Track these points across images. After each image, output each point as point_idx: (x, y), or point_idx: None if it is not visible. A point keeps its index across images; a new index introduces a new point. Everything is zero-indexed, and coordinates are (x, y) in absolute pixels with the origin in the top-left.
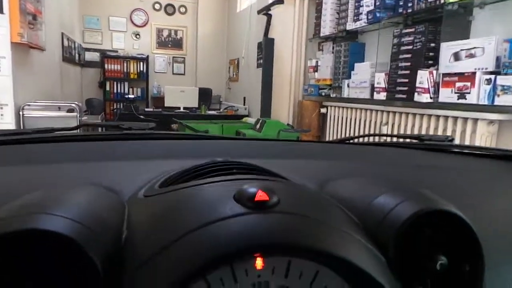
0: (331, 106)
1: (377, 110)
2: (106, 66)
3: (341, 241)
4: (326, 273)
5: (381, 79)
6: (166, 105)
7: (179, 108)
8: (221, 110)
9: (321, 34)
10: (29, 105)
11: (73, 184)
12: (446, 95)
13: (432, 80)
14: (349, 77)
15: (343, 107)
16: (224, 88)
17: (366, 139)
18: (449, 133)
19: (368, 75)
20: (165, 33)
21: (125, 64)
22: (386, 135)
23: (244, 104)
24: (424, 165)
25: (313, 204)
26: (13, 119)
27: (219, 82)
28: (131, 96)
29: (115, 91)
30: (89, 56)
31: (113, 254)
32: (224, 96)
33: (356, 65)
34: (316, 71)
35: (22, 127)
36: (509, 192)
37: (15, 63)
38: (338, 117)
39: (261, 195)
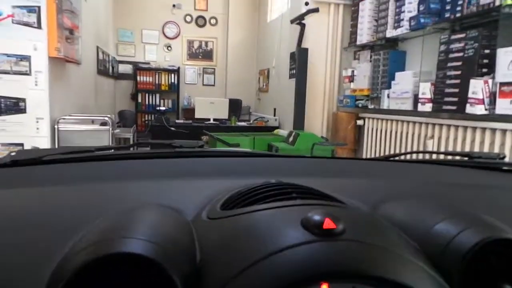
0: (368, 118)
1: (421, 123)
2: (138, 78)
3: (406, 268)
4: None
5: (426, 89)
6: (196, 116)
7: (209, 119)
8: (251, 121)
9: (358, 42)
10: (64, 118)
11: (137, 202)
12: (504, 106)
13: (487, 90)
14: (388, 87)
15: (382, 119)
16: (254, 99)
17: (412, 156)
18: (507, 148)
19: (410, 85)
20: (196, 45)
21: (156, 76)
22: (433, 152)
23: (274, 115)
24: (476, 185)
25: (375, 231)
26: (48, 133)
27: (248, 93)
28: (162, 108)
29: (146, 102)
30: (122, 68)
31: (190, 275)
32: (254, 107)
33: (397, 74)
34: (352, 81)
35: (57, 141)
36: None
37: (51, 77)
38: (377, 129)
39: (329, 223)
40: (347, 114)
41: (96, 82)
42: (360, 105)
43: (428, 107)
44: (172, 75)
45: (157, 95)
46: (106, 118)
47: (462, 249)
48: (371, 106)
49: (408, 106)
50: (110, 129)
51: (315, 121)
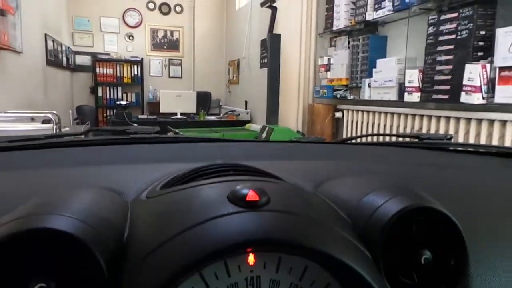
0: (347, 110)
1: (407, 114)
2: (97, 70)
3: (328, 238)
4: (315, 269)
5: (414, 77)
6: (161, 111)
7: (175, 114)
8: (221, 115)
9: (334, 28)
10: None
11: (78, 187)
12: (504, 94)
13: (485, 76)
14: (369, 75)
15: (362, 111)
16: (224, 92)
17: (369, 139)
18: (508, 140)
19: (394, 73)
20: (160, 34)
21: (118, 68)
22: (385, 135)
23: (246, 108)
24: (422, 163)
25: (302, 203)
26: None
27: (218, 85)
28: (123, 102)
29: (107, 96)
30: (80, 59)
31: (116, 251)
32: (224, 100)
33: (379, 61)
34: (329, 70)
35: None
36: (506, 188)
37: None
38: (357, 122)
39: (252, 195)
40: (324, 106)
41: (46, 74)
42: (338, 95)
43: (415, 97)
44: (135, 66)
45: (119, 88)
46: (50, 115)
47: (384, 218)
48: (350, 97)
49: (393, 96)
50: (55, 127)
51: (289, 114)
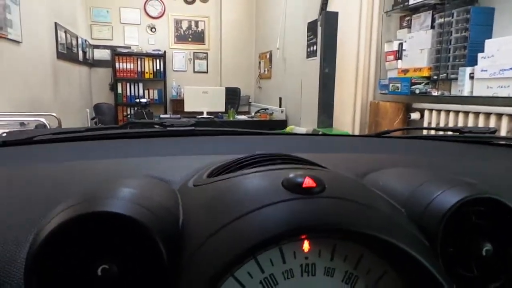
0: (430, 110)
1: None
2: (117, 65)
3: (385, 224)
4: (370, 257)
5: None
6: (186, 109)
7: (202, 113)
8: (252, 114)
9: (411, 2)
10: None
11: (125, 176)
12: None
13: None
14: (470, 63)
15: (457, 111)
16: (253, 88)
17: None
18: None
19: None
20: (185, 25)
21: (139, 63)
22: (424, 128)
23: (280, 106)
24: (465, 157)
25: (356, 190)
26: None
27: (247, 80)
28: (143, 100)
29: (128, 94)
30: (98, 54)
31: (174, 237)
32: (254, 97)
33: (490, 42)
34: (399, 58)
35: None
36: None
37: None
38: (446, 125)
39: (308, 182)
40: (393, 105)
41: (56, 69)
42: (417, 91)
43: None
44: (158, 61)
45: (140, 85)
46: (43, 120)
47: (443, 208)
48: (436, 93)
49: None
50: None
51: (343, 114)
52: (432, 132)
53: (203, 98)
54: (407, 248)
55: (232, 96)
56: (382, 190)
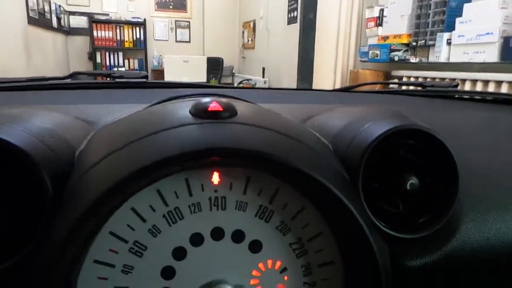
0: (409, 77)
1: None
2: (95, 33)
3: (301, 154)
4: (287, 191)
5: None
6: (166, 79)
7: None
8: (235, 84)
9: None
10: None
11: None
12: None
13: None
14: (448, 28)
15: (434, 78)
16: (237, 58)
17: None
18: None
19: (497, 22)
20: None
21: (118, 31)
22: (389, 83)
23: (263, 77)
24: (426, 109)
25: (276, 122)
26: None
27: (231, 50)
28: (122, 69)
29: (107, 63)
30: (75, 21)
31: (64, 167)
32: (238, 67)
33: (469, 6)
34: (380, 24)
35: None
36: (504, 134)
37: None
38: None
39: (215, 106)
40: (372, 73)
41: (28, 36)
42: (396, 58)
43: None
44: (137, 29)
45: (120, 54)
46: None
47: (366, 141)
48: (414, 60)
49: (491, 56)
50: None
51: (323, 82)
52: (396, 87)
53: (183, 67)
54: (323, 180)
55: (215, 66)
56: (315, 129)
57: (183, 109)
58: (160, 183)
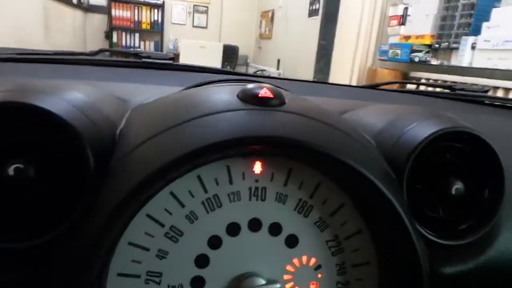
0: (427, 80)
1: None
2: (113, 12)
3: (350, 148)
4: (328, 186)
5: None
6: (181, 63)
7: None
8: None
9: None
10: None
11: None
12: None
13: None
14: (475, 32)
15: (454, 83)
16: (253, 47)
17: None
18: None
19: None
20: None
21: (136, 11)
22: (415, 83)
23: (277, 69)
24: (454, 113)
25: (323, 113)
26: None
27: (247, 39)
28: (138, 49)
29: (123, 43)
30: None
31: (106, 144)
32: (253, 57)
33: (497, 11)
34: (403, 23)
35: None
36: None
37: None
38: None
39: (265, 93)
40: (391, 72)
41: (48, 11)
42: (416, 59)
43: None
44: (156, 11)
45: (137, 35)
46: None
47: (413, 141)
48: (435, 62)
49: None
50: None
51: (340, 78)
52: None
53: (199, 53)
54: (371, 176)
55: (231, 54)
56: (356, 124)
57: (229, 94)
58: (201, 169)
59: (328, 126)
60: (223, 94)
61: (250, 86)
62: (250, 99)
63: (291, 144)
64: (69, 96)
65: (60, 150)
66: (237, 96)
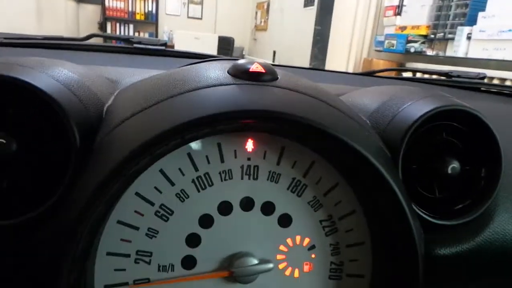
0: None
1: None
2: (107, 2)
3: (344, 125)
4: (322, 165)
5: None
6: None
7: None
8: None
9: None
10: None
11: None
12: None
13: None
14: (470, 22)
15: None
16: (248, 39)
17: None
18: None
19: None
20: None
21: (130, 2)
22: (413, 70)
23: (273, 60)
24: None
25: (318, 90)
26: None
27: (242, 31)
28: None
29: (117, 34)
30: None
31: (92, 120)
32: (248, 49)
33: (493, 1)
34: (399, 14)
35: None
36: None
37: None
38: None
39: (257, 67)
40: (386, 63)
41: (40, 0)
42: (412, 49)
43: None
44: (150, 1)
45: (131, 26)
46: None
47: (408, 120)
48: (431, 52)
49: None
50: None
51: (335, 68)
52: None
53: (194, 44)
54: (365, 153)
55: (226, 46)
56: (351, 105)
57: (220, 69)
58: (192, 146)
59: (322, 102)
60: (214, 70)
61: (241, 61)
62: (241, 74)
63: (283, 118)
64: (53, 72)
65: (45, 125)
66: (228, 71)
